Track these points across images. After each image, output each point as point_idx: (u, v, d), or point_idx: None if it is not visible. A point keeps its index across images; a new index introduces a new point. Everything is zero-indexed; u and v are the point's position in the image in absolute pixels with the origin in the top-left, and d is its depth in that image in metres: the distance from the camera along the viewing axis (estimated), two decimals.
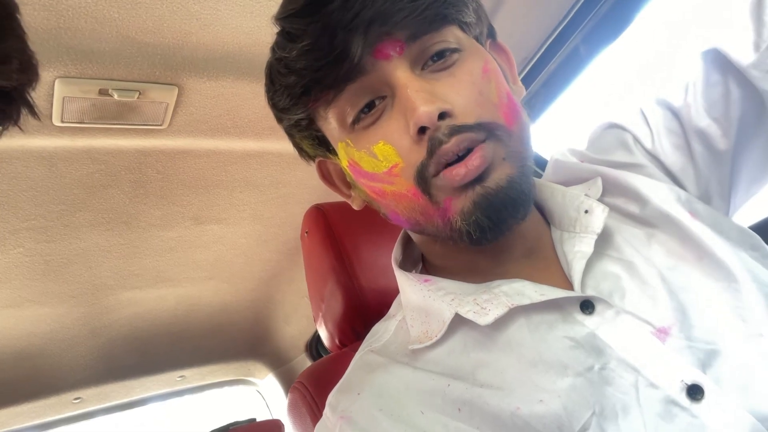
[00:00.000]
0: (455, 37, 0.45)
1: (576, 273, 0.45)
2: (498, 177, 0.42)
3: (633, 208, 0.51)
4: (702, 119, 0.51)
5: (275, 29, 0.47)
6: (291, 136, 0.54)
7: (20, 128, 0.43)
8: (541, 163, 1.07)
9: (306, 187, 1.28)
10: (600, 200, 0.50)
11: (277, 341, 1.78)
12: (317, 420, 0.51)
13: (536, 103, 1.12)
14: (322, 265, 0.80)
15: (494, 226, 0.42)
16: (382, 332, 0.54)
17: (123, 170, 1.08)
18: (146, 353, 1.60)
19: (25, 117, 0.43)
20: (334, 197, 0.69)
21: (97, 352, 1.52)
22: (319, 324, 0.85)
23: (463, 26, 0.47)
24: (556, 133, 1.17)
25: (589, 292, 0.44)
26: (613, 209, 0.51)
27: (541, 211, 0.54)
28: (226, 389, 1.89)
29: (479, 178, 0.42)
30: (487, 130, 0.42)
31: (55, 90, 0.84)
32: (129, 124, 0.97)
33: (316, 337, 1.69)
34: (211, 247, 1.38)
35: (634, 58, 1.00)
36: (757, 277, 0.44)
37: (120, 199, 1.14)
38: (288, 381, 1.79)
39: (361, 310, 0.77)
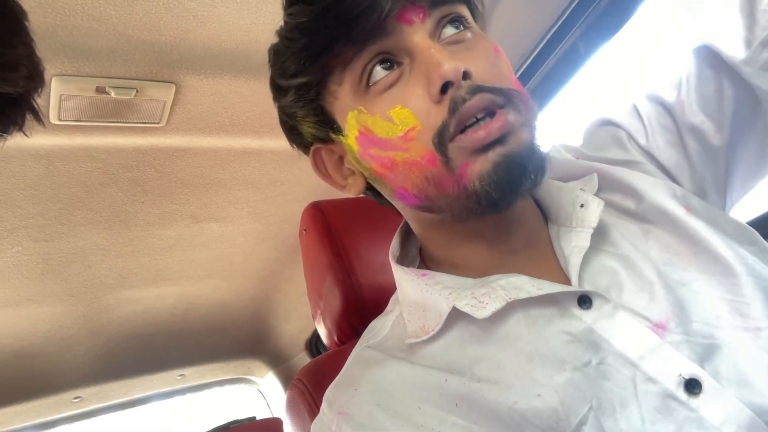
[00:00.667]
0: (467, 17, 0.47)
1: (573, 267, 0.45)
2: (519, 140, 0.42)
3: (629, 203, 0.51)
4: (695, 115, 0.51)
5: (284, 8, 0.46)
6: (290, 117, 0.52)
7: (24, 134, 0.43)
8: None
9: (304, 184, 1.28)
10: (598, 195, 0.50)
11: (277, 339, 1.78)
12: (315, 417, 0.51)
13: (534, 100, 1.12)
14: (320, 262, 0.80)
15: (512, 187, 0.42)
16: (380, 328, 0.54)
17: (121, 168, 1.08)
18: (146, 352, 1.60)
19: (28, 121, 0.43)
20: (333, 194, 0.69)
21: (96, 351, 1.52)
22: (317, 321, 0.85)
23: (473, 10, 0.49)
24: (554, 130, 1.17)
25: (587, 287, 0.44)
26: (610, 205, 0.51)
27: (539, 206, 0.54)
28: (226, 388, 1.89)
29: (500, 139, 0.42)
30: (506, 96, 0.43)
31: (52, 88, 0.84)
32: (126, 122, 0.97)
33: (315, 335, 1.69)
34: (210, 245, 1.38)
35: (632, 55, 1.00)
36: (754, 271, 0.44)
37: (118, 197, 1.14)
38: (288, 379, 1.79)
39: (359, 307, 0.77)
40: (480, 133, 0.41)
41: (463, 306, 0.44)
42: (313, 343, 1.73)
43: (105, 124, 0.96)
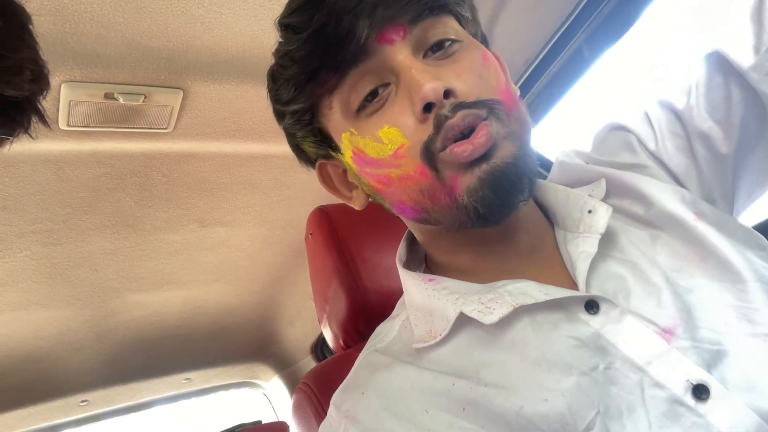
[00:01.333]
0: (454, 30, 0.47)
1: (580, 273, 0.45)
2: (503, 154, 0.43)
3: (638, 209, 0.51)
4: (704, 122, 0.52)
5: (278, 33, 0.48)
6: (292, 137, 0.54)
7: (30, 136, 0.44)
8: (545, 164, 1.07)
9: (310, 189, 1.29)
10: (604, 201, 0.50)
11: (283, 343, 1.78)
12: (322, 421, 0.51)
13: (539, 104, 1.12)
14: (326, 266, 0.80)
15: (501, 202, 0.43)
16: (386, 332, 0.54)
17: (129, 173, 1.08)
18: (152, 356, 1.61)
19: (34, 124, 0.44)
20: (338, 199, 0.69)
21: (103, 355, 1.53)
22: (323, 325, 0.85)
23: (461, 19, 0.48)
24: (559, 135, 1.17)
25: (594, 292, 0.44)
26: (618, 211, 0.51)
27: (545, 212, 0.54)
28: (232, 391, 1.89)
29: (485, 156, 0.42)
30: (488, 107, 0.43)
31: (61, 94, 0.85)
32: (134, 128, 0.98)
33: (321, 339, 1.69)
34: (217, 249, 1.39)
35: (637, 59, 1.00)
36: (763, 277, 0.44)
37: (126, 202, 1.15)
38: (293, 383, 1.79)
39: (365, 311, 0.77)
40: (467, 147, 0.42)
41: (470, 311, 0.44)
42: (319, 347, 1.73)
43: (113, 130, 0.97)
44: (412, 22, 0.44)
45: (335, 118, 0.48)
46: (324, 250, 0.81)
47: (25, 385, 1.45)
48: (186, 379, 1.73)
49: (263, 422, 1.33)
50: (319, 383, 0.78)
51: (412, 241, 0.58)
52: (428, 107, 0.42)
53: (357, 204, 0.54)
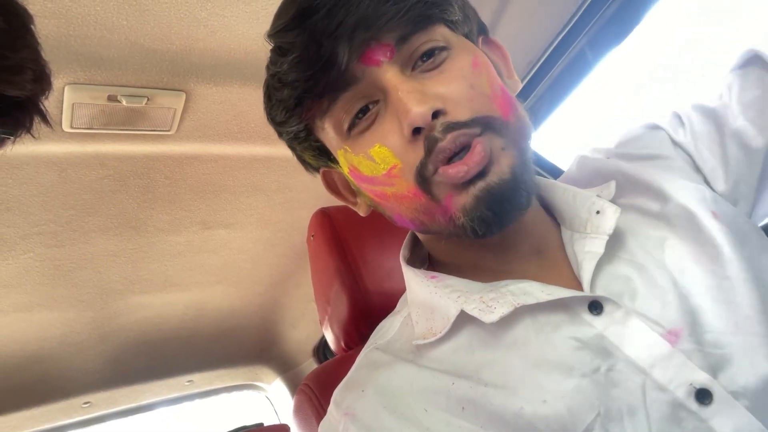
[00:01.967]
0: (443, 36, 0.46)
1: (586, 273, 0.45)
2: (500, 170, 0.42)
3: (653, 205, 0.50)
4: (736, 119, 0.52)
5: (269, 47, 0.48)
6: (293, 149, 0.54)
7: (33, 136, 0.44)
8: (546, 166, 1.07)
9: (312, 191, 1.29)
10: (617, 201, 0.49)
11: (285, 346, 1.78)
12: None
13: (542, 106, 1.12)
14: (328, 268, 0.80)
15: (498, 218, 0.42)
16: (387, 328, 0.54)
17: (132, 175, 1.09)
18: (155, 358, 1.61)
19: (36, 124, 0.44)
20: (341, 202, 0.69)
21: (106, 357, 1.53)
22: (325, 327, 0.85)
23: (450, 25, 0.47)
24: (562, 137, 1.16)
25: (599, 293, 0.44)
26: (631, 208, 0.50)
27: (552, 211, 0.53)
28: (234, 394, 1.89)
29: (481, 173, 0.42)
30: (483, 124, 0.42)
31: (64, 96, 0.85)
32: (137, 130, 0.98)
33: (323, 342, 1.69)
34: (219, 251, 1.39)
35: (640, 61, 1.00)
36: None
37: (128, 204, 1.15)
38: (295, 385, 1.79)
39: (367, 313, 0.77)
40: (460, 170, 0.41)
41: (471, 310, 0.44)
42: (321, 349, 1.73)
43: (116, 132, 0.97)
44: (400, 42, 0.43)
45: (329, 137, 0.48)
46: (326, 252, 0.81)
47: (27, 387, 1.46)
48: (188, 381, 1.73)
49: (265, 425, 1.34)
50: (320, 385, 0.77)
51: (415, 240, 0.58)
52: (417, 131, 0.42)
53: (361, 211, 0.55)
